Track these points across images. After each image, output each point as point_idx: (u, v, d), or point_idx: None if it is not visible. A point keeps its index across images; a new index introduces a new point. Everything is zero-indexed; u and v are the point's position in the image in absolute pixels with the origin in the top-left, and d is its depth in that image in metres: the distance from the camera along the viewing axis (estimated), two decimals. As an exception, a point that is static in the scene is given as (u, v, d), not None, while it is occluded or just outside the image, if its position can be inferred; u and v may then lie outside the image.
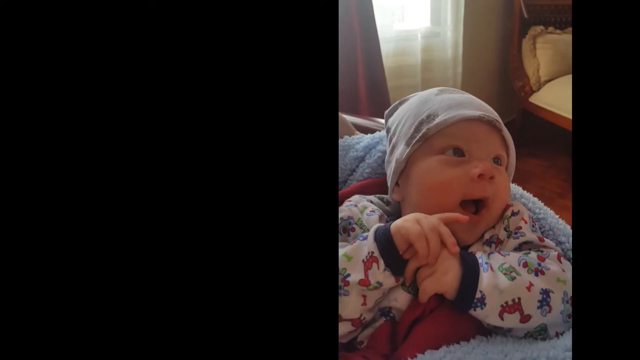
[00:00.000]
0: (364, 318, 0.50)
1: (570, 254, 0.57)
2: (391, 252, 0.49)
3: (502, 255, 0.52)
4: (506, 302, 0.47)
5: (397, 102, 0.67)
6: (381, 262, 0.49)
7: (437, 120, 0.57)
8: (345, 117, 0.97)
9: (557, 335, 0.48)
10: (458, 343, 0.46)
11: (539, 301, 0.47)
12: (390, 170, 0.62)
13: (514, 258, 0.51)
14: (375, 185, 0.69)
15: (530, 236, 0.55)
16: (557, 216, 0.62)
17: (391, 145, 0.63)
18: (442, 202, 0.54)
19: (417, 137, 0.58)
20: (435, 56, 2.08)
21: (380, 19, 1.75)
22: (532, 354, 0.43)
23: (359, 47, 1.67)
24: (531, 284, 0.48)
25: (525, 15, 2.29)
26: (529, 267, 0.50)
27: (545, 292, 0.48)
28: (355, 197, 0.63)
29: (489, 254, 0.52)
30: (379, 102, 1.73)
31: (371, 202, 0.62)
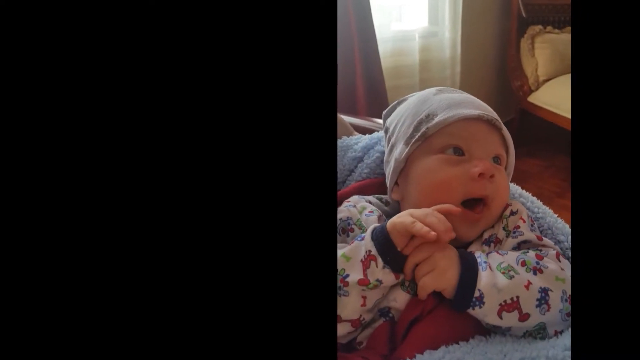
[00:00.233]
0: (363, 319, 0.50)
1: (569, 252, 0.57)
2: (389, 248, 0.49)
3: (500, 254, 0.52)
4: (505, 301, 0.47)
5: (395, 102, 0.68)
6: (379, 259, 0.49)
7: (437, 119, 0.57)
8: (344, 118, 0.97)
9: (556, 334, 0.48)
10: (457, 343, 0.46)
11: (537, 300, 0.47)
12: (389, 169, 0.62)
13: (512, 257, 0.51)
14: (374, 186, 0.69)
15: (529, 235, 0.55)
16: (556, 215, 0.62)
17: (390, 145, 0.63)
18: (443, 200, 0.54)
19: (417, 137, 0.58)
20: (433, 56, 2.08)
21: (377, 19, 1.75)
22: (531, 353, 0.43)
23: (356, 48, 1.67)
24: (530, 283, 0.48)
25: (524, 15, 2.30)
26: (528, 265, 0.50)
27: (544, 291, 0.48)
28: (354, 198, 0.63)
29: (487, 254, 0.52)
30: (377, 102, 1.73)
31: (370, 202, 0.62)
